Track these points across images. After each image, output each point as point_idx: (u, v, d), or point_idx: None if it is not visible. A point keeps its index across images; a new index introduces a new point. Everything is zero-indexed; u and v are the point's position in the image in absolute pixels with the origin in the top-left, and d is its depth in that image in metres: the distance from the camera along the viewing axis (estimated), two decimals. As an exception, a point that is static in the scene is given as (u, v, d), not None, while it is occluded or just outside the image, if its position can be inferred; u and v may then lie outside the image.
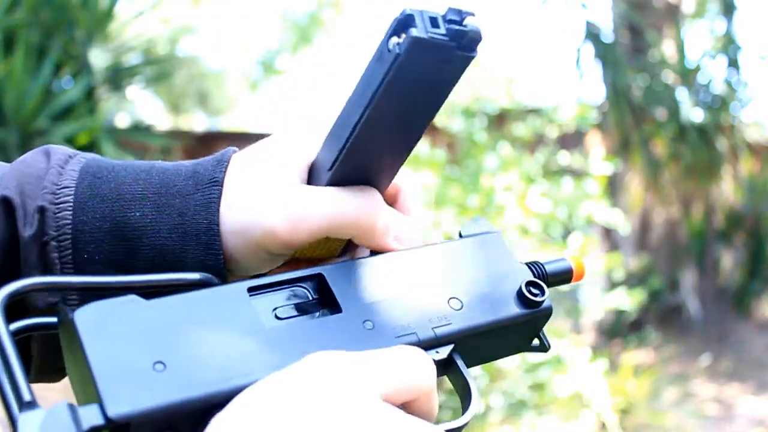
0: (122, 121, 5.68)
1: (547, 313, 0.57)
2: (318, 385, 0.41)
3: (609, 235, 7.09)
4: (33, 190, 0.55)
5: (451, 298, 0.54)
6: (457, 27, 0.48)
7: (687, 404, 5.04)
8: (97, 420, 0.42)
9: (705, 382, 5.79)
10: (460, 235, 0.60)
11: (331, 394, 0.40)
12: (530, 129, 4.97)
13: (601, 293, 4.54)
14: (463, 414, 0.52)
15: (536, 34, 21.50)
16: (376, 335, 0.50)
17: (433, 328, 0.52)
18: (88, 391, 0.44)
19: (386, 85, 0.48)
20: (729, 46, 6.65)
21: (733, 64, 6.66)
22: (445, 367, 0.53)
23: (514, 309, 0.56)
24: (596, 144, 6.97)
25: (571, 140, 6.16)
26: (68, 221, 0.54)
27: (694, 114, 6.69)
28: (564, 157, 4.71)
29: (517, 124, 5.07)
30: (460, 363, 0.53)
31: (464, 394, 0.53)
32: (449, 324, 0.53)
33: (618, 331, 6.73)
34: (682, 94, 6.76)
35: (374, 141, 0.53)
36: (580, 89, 9.44)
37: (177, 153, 6.17)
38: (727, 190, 7.09)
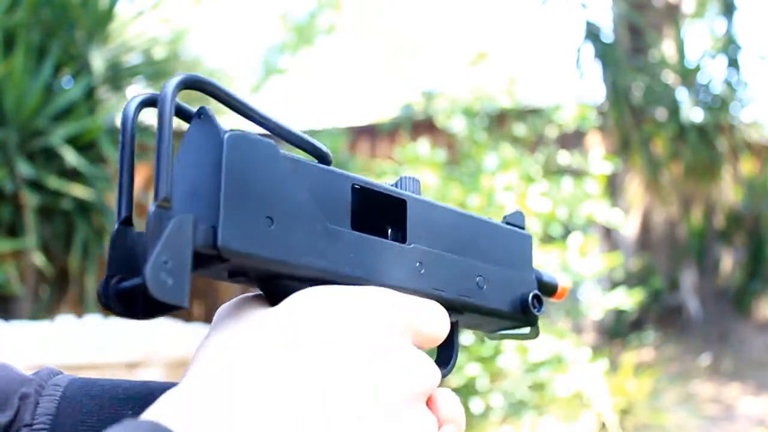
0: (122, 121, 5.66)
1: (536, 321, 0.67)
2: (377, 313, 0.50)
3: (609, 235, 7.09)
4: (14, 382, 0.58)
5: (479, 276, 0.62)
6: None
7: (687, 404, 5.04)
8: (207, 242, 0.46)
9: (705, 382, 5.78)
10: (504, 219, 0.67)
11: (383, 323, 0.50)
12: (530, 129, 4.98)
13: (601, 293, 4.54)
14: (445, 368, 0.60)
15: (536, 34, 21.50)
16: (421, 279, 0.57)
17: (458, 295, 0.60)
18: (200, 200, 0.48)
19: None
20: (729, 46, 6.64)
21: (733, 64, 6.66)
22: None
23: (517, 309, 0.65)
24: (596, 144, 6.97)
25: (571, 140, 6.16)
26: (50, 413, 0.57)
27: (694, 114, 6.69)
28: (564, 157, 4.71)
29: (517, 124, 5.08)
30: (456, 332, 0.62)
31: (446, 357, 0.61)
32: (470, 297, 0.61)
33: (618, 331, 6.73)
34: (682, 94, 6.76)
35: None
36: (580, 89, 9.43)
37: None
38: (727, 190, 7.09)
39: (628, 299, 4.35)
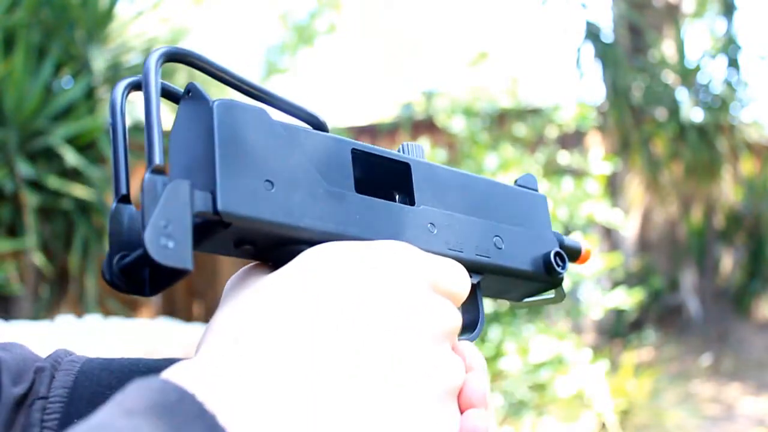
0: (122, 121, 5.65)
1: (560, 281, 0.64)
2: (394, 265, 0.48)
3: (609, 235, 7.08)
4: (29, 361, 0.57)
5: (495, 236, 0.61)
6: None
7: (687, 404, 5.04)
8: (207, 208, 0.45)
9: (705, 382, 5.78)
10: (516, 183, 0.67)
11: (403, 275, 0.48)
12: (531, 129, 4.97)
13: (601, 293, 4.54)
14: (472, 333, 0.58)
15: (536, 34, 21.50)
16: (434, 240, 0.56)
17: (476, 254, 0.59)
18: (197, 170, 0.47)
19: None
20: (729, 46, 6.64)
21: (733, 64, 6.66)
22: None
23: (540, 269, 0.63)
24: (596, 144, 6.97)
25: (571, 140, 6.15)
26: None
27: (694, 114, 6.69)
28: (564, 157, 4.71)
29: (517, 124, 5.07)
30: (479, 294, 0.61)
31: (472, 321, 0.60)
32: (488, 257, 0.60)
33: (618, 331, 6.73)
34: (682, 94, 6.76)
35: None
36: (580, 89, 9.43)
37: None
38: (727, 190, 7.09)
39: (628, 299, 4.35)
